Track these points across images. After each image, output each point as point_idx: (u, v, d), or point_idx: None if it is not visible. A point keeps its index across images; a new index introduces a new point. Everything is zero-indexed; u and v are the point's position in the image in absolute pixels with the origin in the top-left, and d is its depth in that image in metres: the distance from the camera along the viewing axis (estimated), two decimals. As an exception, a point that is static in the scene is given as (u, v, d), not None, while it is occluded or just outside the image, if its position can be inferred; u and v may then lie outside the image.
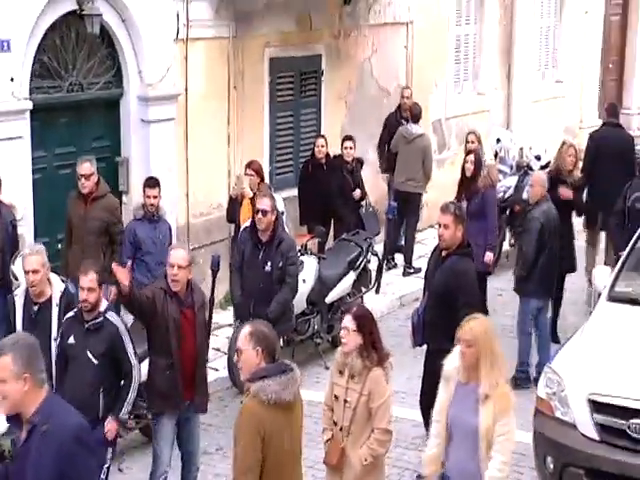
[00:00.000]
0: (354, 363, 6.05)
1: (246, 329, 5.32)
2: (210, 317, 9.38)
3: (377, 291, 11.64)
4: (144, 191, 9.57)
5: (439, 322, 7.44)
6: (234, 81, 11.62)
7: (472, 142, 12.00)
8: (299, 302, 9.60)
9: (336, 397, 6.18)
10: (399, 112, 13.12)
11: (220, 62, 11.45)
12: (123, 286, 6.85)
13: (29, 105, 9.42)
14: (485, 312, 8.38)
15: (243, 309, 8.86)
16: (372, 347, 6.04)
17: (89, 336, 6.71)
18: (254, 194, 9.93)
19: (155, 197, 9.46)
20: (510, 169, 13.28)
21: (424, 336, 7.81)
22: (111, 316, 6.84)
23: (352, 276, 10.63)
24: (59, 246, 9.87)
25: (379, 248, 12.18)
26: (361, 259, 10.83)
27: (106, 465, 6.69)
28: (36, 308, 7.13)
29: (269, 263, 8.69)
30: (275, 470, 5.19)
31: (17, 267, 8.55)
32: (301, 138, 12.85)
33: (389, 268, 12.60)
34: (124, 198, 10.57)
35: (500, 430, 5.57)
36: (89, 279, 6.70)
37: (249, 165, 10.50)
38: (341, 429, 6.13)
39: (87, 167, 9.22)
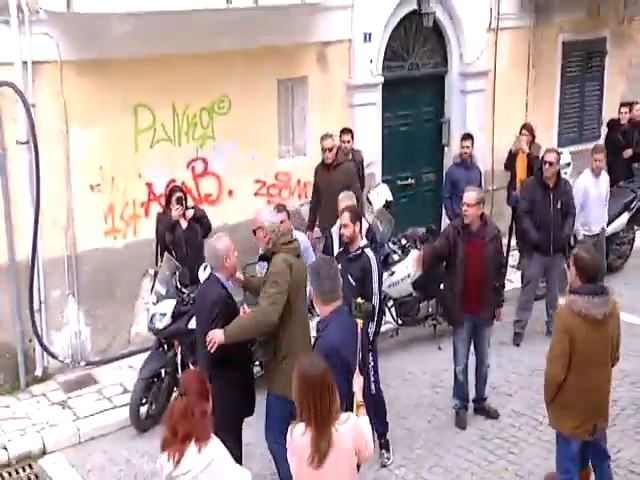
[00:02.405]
0: None
1: (573, 252, 5.76)
2: (508, 244, 10.19)
3: (649, 228, 11.92)
4: (461, 143, 10.38)
5: None
6: (533, 61, 12.19)
7: None
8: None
9: None
10: None
11: (522, 46, 12.05)
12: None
13: (381, 80, 10.46)
14: None
15: (544, 242, 8.99)
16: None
17: (350, 264, 6.78)
18: (528, 149, 10.32)
19: (469, 147, 10.25)
20: None
21: None
22: (367, 251, 6.84)
23: (626, 215, 11.06)
24: (399, 182, 11.10)
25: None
26: (635, 202, 11.20)
27: (371, 365, 6.78)
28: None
29: (559, 202, 8.94)
30: (579, 368, 5.49)
31: (372, 196, 9.88)
32: (585, 105, 13.23)
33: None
34: (445, 149, 11.55)
35: None
36: (345, 217, 6.86)
37: (524, 126, 10.78)
38: None
39: (329, 142, 9.39)
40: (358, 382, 4.88)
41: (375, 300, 6.71)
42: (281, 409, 5.93)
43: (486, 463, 7.03)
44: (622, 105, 12.30)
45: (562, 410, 5.69)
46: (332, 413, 4.31)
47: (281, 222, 7.78)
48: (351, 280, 6.70)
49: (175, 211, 8.22)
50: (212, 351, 5.81)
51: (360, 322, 5.10)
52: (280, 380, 5.95)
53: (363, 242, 6.94)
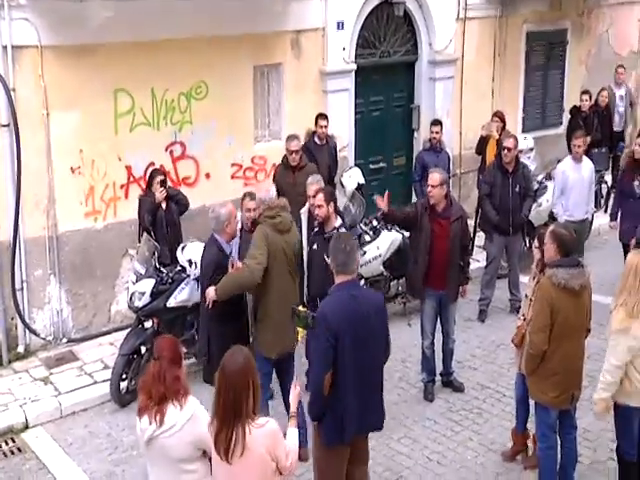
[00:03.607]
0: (536, 270, 6.13)
1: (550, 229, 5.69)
2: (475, 225, 10.19)
3: (605, 211, 11.82)
4: (430, 129, 10.23)
5: None
6: (498, 50, 12.19)
7: None
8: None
9: (526, 296, 6.27)
10: None
11: (488, 35, 12.04)
12: (384, 210, 7.28)
13: (354, 67, 10.40)
14: None
15: (504, 223, 8.97)
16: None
17: (326, 243, 6.18)
18: (499, 136, 10.27)
19: (438, 133, 10.12)
20: None
21: None
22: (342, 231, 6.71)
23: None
24: (371, 166, 10.94)
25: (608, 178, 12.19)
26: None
27: None
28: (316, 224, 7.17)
29: (518, 186, 8.95)
30: (560, 337, 5.49)
31: (344, 179, 9.68)
32: (547, 93, 13.22)
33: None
34: (415, 134, 11.48)
35: (609, 343, 5.43)
36: (318, 199, 6.77)
37: (495, 113, 10.81)
38: (525, 319, 6.16)
39: (296, 144, 8.86)
40: (294, 393, 4.59)
41: None
42: (261, 365, 5.86)
43: (452, 433, 7.05)
44: (583, 93, 12.28)
45: (543, 381, 5.68)
46: (245, 412, 3.95)
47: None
48: (327, 260, 6.52)
49: (159, 194, 8.10)
50: (209, 307, 6.33)
51: (300, 331, 4.72)
52: (256, 339, 6.43)
53: (338, 222, 6.86)
